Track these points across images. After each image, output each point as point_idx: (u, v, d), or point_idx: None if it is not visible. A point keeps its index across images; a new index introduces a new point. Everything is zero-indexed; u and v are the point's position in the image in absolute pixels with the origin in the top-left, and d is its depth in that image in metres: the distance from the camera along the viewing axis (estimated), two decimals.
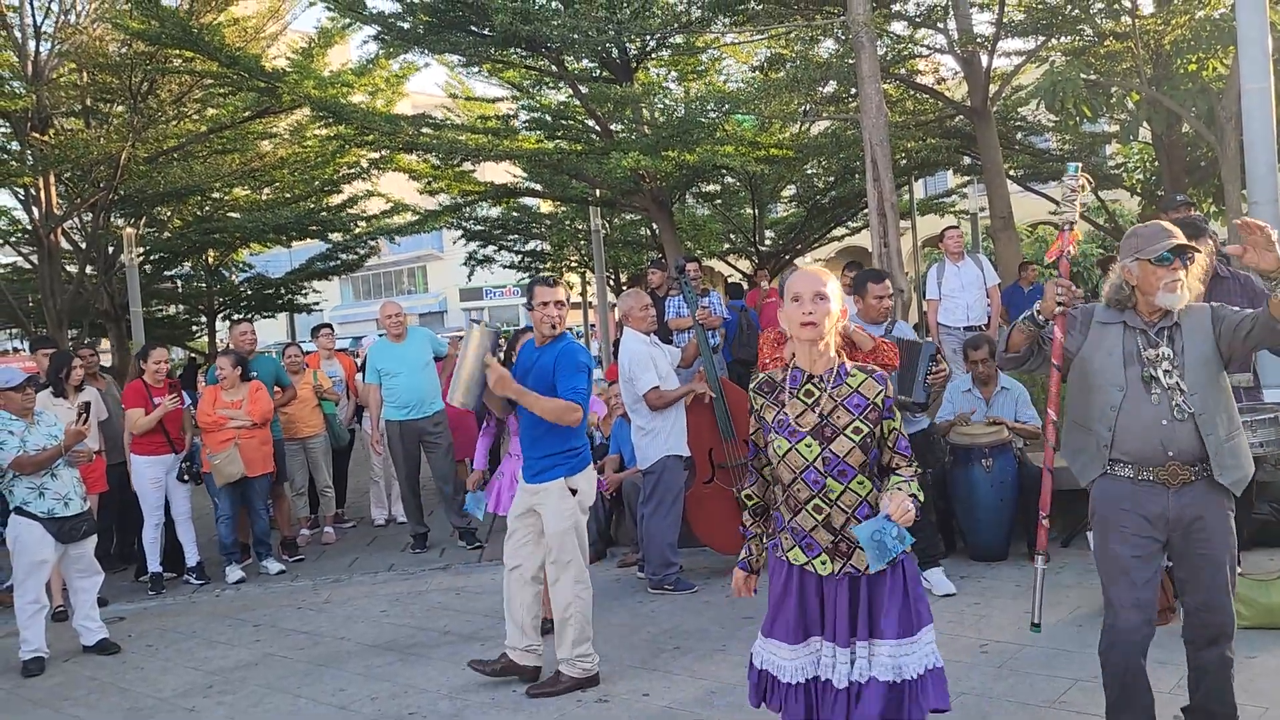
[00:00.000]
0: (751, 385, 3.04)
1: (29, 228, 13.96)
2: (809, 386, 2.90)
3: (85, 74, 13.43)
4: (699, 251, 17.10)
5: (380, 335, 8.11)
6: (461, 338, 4.94)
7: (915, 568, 2.93)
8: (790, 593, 2.89)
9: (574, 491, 4.46)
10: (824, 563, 2.84)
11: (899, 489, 2.79)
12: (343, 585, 6.91)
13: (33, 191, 13.27)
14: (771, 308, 9.26)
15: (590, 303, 22.18)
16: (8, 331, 28.60)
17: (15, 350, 27.84)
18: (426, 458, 7.74)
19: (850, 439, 2.81)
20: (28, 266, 15.39)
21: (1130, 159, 17.10)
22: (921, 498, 2.82)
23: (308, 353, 9.02)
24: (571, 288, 23.41)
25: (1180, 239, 3.07)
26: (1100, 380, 3.14)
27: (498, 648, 5.15)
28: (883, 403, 2.86)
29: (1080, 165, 3.31)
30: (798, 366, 2.93)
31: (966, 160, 15.55)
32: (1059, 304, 3.17)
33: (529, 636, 4.63)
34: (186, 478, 7.17)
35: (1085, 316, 3.27)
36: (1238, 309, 3.15)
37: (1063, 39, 11.84)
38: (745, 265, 18.86)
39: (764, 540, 3.10)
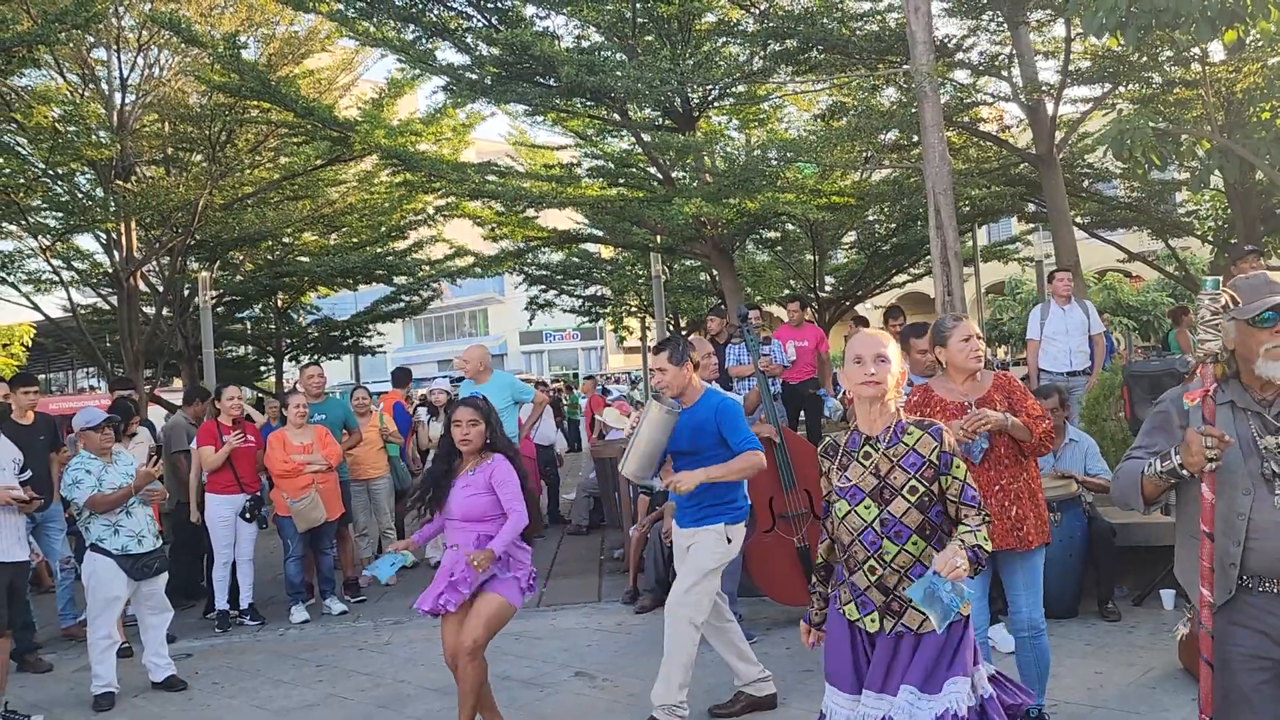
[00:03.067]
0: (819, 448, 3.09)
1: (109, 270, 14.49)
2: (867, 448, 2.95)
3: (167, 124, 13.98)
4: (759, 298, 17.11)
5: (460, 378, 8.21)
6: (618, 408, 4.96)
7: (969, 631, 2.88)
8: (845, 643, 2.95)
9: (729, 540, 4.50)
10: (874, 620, 2.88)
11: (956, 541, 2.78)
12: (404, 627, 6.96)
13: (114, 236, 13.78)
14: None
15: (650, 348, 22.25)
16: (86, 370, 29.55)
17: (92, 388, 28.72)
18: None
19: (906, 500, 2.84)
20: (107, 308, 15.94)
21: (1202, 206, 16.77)
22: (988, 546, 2.80)
23: (380, 393, 9.18)
24: (631, 333, 23.53)
25: None
26: (1220, 482, 2.57)
27: (556, 695, 5.15)
28: (939, 459, 2.87)
29: (1221, 280, 2.65)
30: (857, 429, 3.00)
31: (1031, 207, 15.38)
32: (1210, 459, 2.50)
33: (752, 664, 4.69)
34: (248, 516, 7.28)
35: (1179, 411, 2.74)
36: None
37: (1130, 86, 11.71)
38: (807, 313, 18.81)
39: (826, 596, 3.10)
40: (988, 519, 2.89)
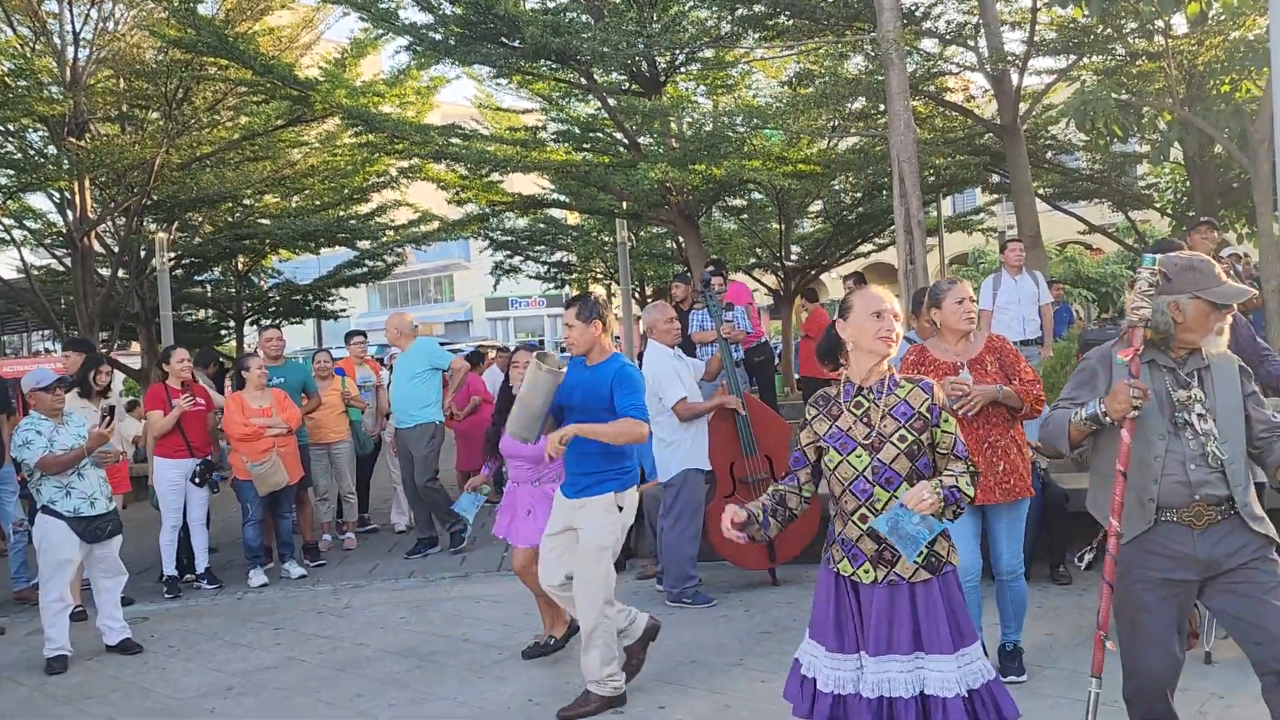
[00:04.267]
0: (810, 399, 3.13)
1: (63, 231, 14.18)
2: (859, 398, 3.00)
3: (122, 80, 13.64)
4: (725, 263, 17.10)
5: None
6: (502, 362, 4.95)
7: (955, 588, 2.93)
8: (833, 600, 2.98)
9: (620, 509, 4.40)
10: (867, 572, 2.92)
11: (933, 481, 2.84)
12: (363, 591, 6.94)
13: (68, 195, 13.47)
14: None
15: (615, 315, 22.22)
16: (40, 333, 29.01)
17: (47, 351, 28.23)
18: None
19: (896, 446, 2.90)
20: (61, 269, 15.62)
21: (1161, 179, 16.96)
22: (971, 493, 2.86)
23: (340, 358, 9.10)
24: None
25: (1244, 285, 2.91)
26: (1141, 429, 2.90)
27: (516, 658, 5.17)
28: (929, 411, 2.94)
29: (1157, 257, 2.95)
30: (850, 380, 3.03)
31: (995, 178, 15.47)
32: (1134, 408, 2.84)
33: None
34: (199, 481, 7.19)
35: (1105, 365, 3.06)
36: (1257, 403, 2.96)
37: (1094, 58, 11.77)
38: (771, 280, 18.84)
39: (761, 517, 3.05)
40: (974, 471, 2.95)
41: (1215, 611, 3.00)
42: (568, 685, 4.64)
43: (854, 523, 2.93)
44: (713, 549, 6.28)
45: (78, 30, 13.14)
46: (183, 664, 5.55)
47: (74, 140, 12.86)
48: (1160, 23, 10.11)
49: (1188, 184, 14.20)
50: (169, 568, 7.19)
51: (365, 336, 9.62)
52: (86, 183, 13.22)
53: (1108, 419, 2.92)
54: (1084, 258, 25.15)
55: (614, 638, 4.45)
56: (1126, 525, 2.95)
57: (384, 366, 10.91)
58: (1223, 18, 10.16)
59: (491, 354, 11.82)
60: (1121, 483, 2.92)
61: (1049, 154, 15.13)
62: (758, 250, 18.49)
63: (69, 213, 13.67)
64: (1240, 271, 8.31)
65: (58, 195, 13.82)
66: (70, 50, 13.13)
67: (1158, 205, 16.07)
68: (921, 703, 2.81)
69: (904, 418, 2.92)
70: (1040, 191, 14.78)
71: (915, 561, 2.83)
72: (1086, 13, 9.64)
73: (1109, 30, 10.65)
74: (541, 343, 38.20)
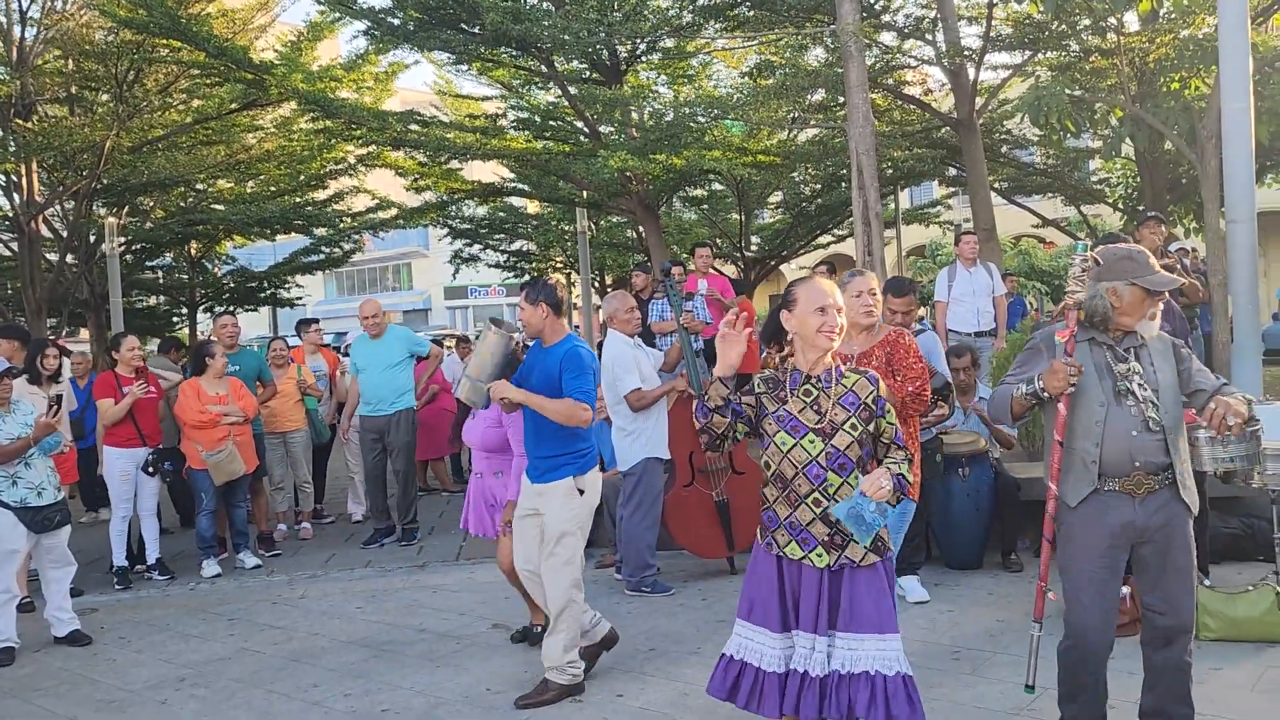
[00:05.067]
0: (757, 377, 3.14)
1: (9, 215, 13.86)
2: (807, 386, 3.04)
3: (71, 61, 13.35)
4: (684, 255, 17.15)
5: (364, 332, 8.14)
6: (457, 337, 4.94)
7: (891, 574, 3.02)
8: (776, 584, 3.00)
9: (581, 492, 4.37)
10: (820, 556, 2.96)
11: (884, 467, 2.93)
12: (319, 581, 6.88)
13: (14, 178, 13.18)
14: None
15: (575, 304, 22.22)
16: None
17: None
18: (388, 456, 7.81)
19: (849, 434, 2.96)
20: (7, 254, 15.27)
21: (1113, 174, 17.26)
22: (910, 478, 2.97)
23: (292, 347, 8.98)
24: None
25: (1191, 278, 3.21)
26: (1083, 398, 3.15)
27: (473, 647, 5.17)
28: (874, 402, 3.01)
29: (1089, 244, 3.26)
30: (796, 368, 3.07)
31: (952, 171, 15.66)
32: (1069, 384, 3.08)
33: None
34: (151, 470, 7.07)
35: (1048, 345, 3.29)
36: (1198, 370, 3.22)
37: (1049, 54, 11.93)
38: (731, 270, 18.94)
39: (723, 410, 3.00)
40: (910, 459, 3.04)
41: (1138, 562, 3.23)
42: (525, 674, 4.64)
43: (808, 505, 2.96)
44: (671, 538, 6.31)
45: (25, 9, 12.85)
46: (133, 655, 5.47)
47: (21, 122, 12.57)
48: (1113, 20, 10.27)
49: (1138, 179, 14.46)
50: (119, 558, 7.06)
51: (319, 325, 9.49)
52: (34, 165, 12.94)
53: (1045, 394, 3.14)
54: (1037, 251, 25.52)
55: (579, 625, 4.44)
56: (1071, 490, 3.18)
57: (342, 355, 10.80)
58: (1173, 15, 10.34)
59: (450, 342, 11.75)
60: (1058, 451, 3.19)
61: (1004, 148, 15.33)
62: (718, 240, 18.56)
63: (15, 196, 13.37)
64: (1188, 265, 8.47)
65: (3, 178, 13.51)
66: (17, 30, 12.83)
67: (1109, 200, 16.36)
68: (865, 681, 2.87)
69: (852, 407, 2.99)
70: (995, 185, 14.99)
71: (865, 546, 2.91)
72: (1041, 9, 9.77)
73: (1063, 26, 10.80)
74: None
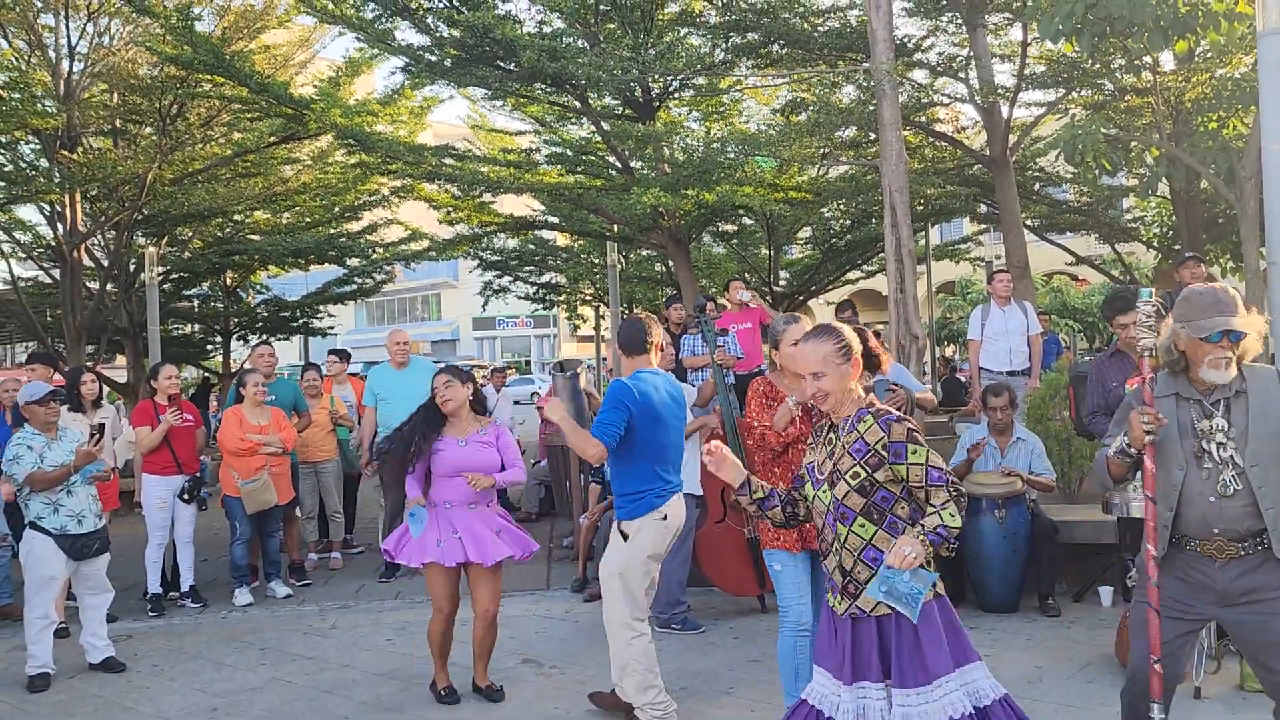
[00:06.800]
0: (816, 424, 3.22)
1: (53, 243, 14.13)
2: (830, 434, 3.07)
3: (116, 95, 13.64)
4: (714, 289, 17.18)
5: (385, 361, 8.19)
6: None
7: (933, 614, 2.90)
8: (829, 630, 3.02)
9: (625, 536, 4.37)
10: (839, 601, 2.97)
11: (916, 528, 2.86)
12: (349, 612, 6.89)
13: (58, 208, 13.44)
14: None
15: (604, 337, 22.27)
16: (25, 345, 28.77)
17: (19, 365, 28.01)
18: None
19: (848, 483, 2.91)
20: (49, 281, 15.55)
21: (1148, 213, 17.15)
22: (956, 524, 2.84)
23: (323, 376, 9.06)
24: (585, 321, 23.52)
25: (1232, 318, 2.91)
26: (1163, 457, 3.00)
27: (504, 682, 5.15)
28: (885, 449, 2.90)
29: (1154, 290, 3.13)
30: (829, 415, 3.10)
31: (983, 208, 15.61)
32: (1148, 434, 2.95)
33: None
34: (187, 497, 7.12)
35: (1136, 399, 3.11)
36: None
37: (1083, 93, 11.93)
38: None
39: (763, 505, 3.22)
40: (959, 495, 2.91)
41: (1230, 628, 3.05)
42: (556, 710, 4.62)
43: (833, 554, 2.98)
44: (702, 574, 6.27)
45: (73, 44, 13.16)
46: (166, 683, 5.50)
47: (66, 154, 12.84)
48: (1149, 59, 10.26)
49: (1174, 218, 14.35)
50: (154, 585, 7.11)
51: (349, 355, 9.54)
52: (78, 196, 13.20)
53: (1132, 449, 3.03)
54: (1070, 289, 25.36)
55: (647, 664, 4.31)
56: (1158, 548, 3.05)
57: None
58: (1210, 55, 10.31)
59: (480, 374, 11.81)
60: (1151, 508, 3.04)
61: (1037, 185, 15.28)
62: (747, 275, 18.59)
63: (59, 226, 13.62)
64: None
65: (48, 208, 13.77)
66: (65, 64, 13.14)
67: (1144, 238, 16.23)
68: None
69: (859, 454, 2.93)
70: (1028, 222, 14.92)
71: (916, 619, 2.82)
72: (1077, 48, 9.77)
73: (1098, 65, 10.81)
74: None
